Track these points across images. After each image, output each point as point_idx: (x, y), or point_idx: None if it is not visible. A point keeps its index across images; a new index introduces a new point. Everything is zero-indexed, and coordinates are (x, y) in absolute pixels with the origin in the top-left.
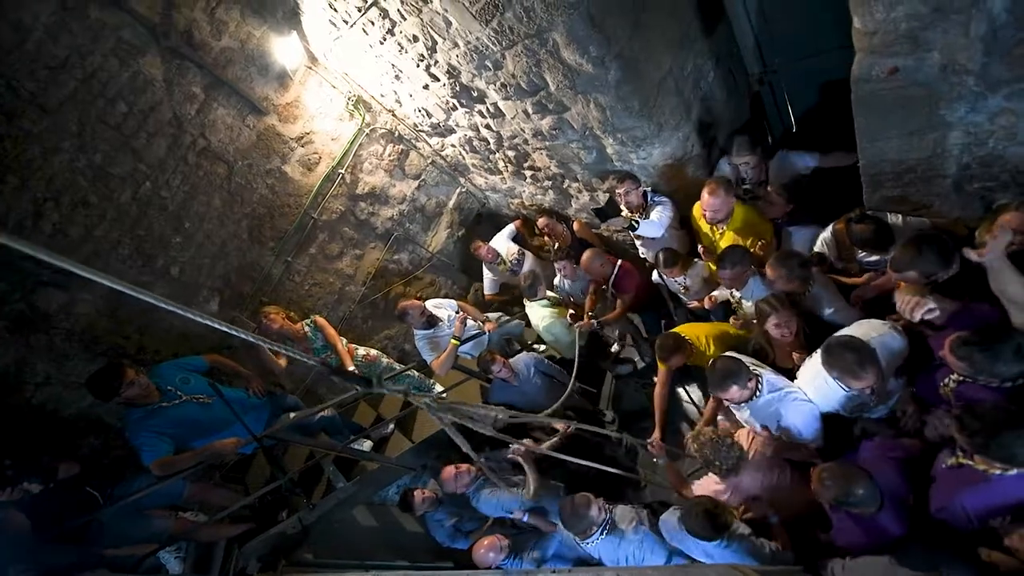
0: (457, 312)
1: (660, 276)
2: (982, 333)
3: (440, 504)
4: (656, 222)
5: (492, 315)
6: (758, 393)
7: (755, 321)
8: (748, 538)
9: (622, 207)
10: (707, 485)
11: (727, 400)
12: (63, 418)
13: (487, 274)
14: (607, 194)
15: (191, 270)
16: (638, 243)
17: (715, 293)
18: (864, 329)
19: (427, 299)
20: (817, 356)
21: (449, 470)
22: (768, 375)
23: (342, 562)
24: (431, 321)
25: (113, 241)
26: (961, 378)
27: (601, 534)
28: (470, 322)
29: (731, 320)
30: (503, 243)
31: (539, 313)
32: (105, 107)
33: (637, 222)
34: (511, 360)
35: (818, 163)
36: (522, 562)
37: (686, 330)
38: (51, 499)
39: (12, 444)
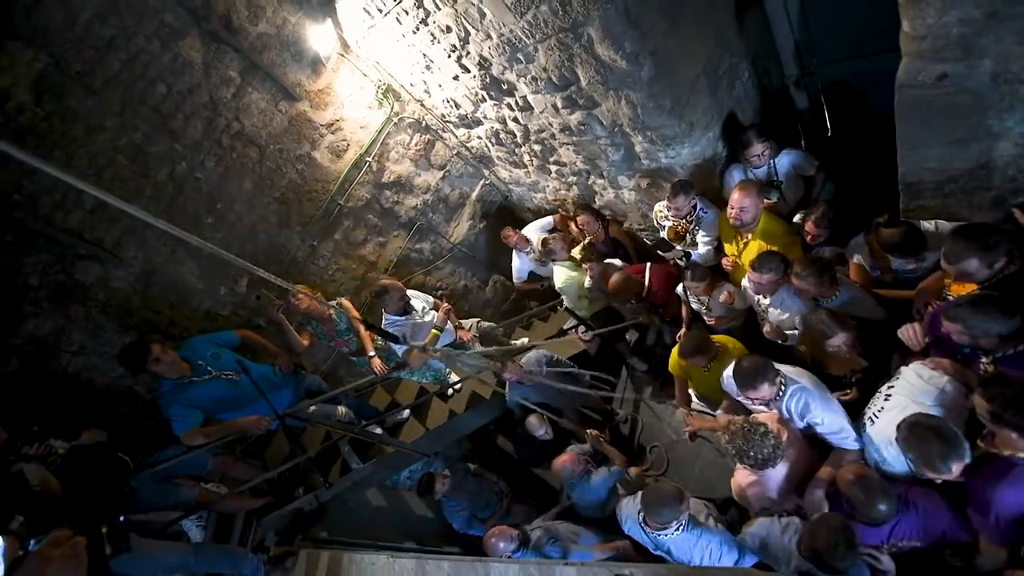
0: (433, 306)
1: (684, 291)
2: (970, 298)
3: (456, 491)
4: (703, 253)
5: (467, 322)
6: (781, 392)
7: (787, 331)
8: None
9: (668, 215)
10: (739, 479)
11: (755, 399)
12: (96, 387)
13: (516, 261)
14: (633, 192)
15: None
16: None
17: (737, 301)
18: (922, 387)
19: (441, 290)
20: (886, 417)
21: (566, 457)
22: (791, 372)
23: (355, 541)
24: (407, 308)
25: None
26: (993, 356)
27: (679, 528)
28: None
29: (764, 330)
30: (535, 233)
31: (561, 274)
32: (146, 88)
33: (689, 254)
34: (522, 361)
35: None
36: (534, 555)
37: (718, 336)
38: (83, 463)
39: (48, 409)
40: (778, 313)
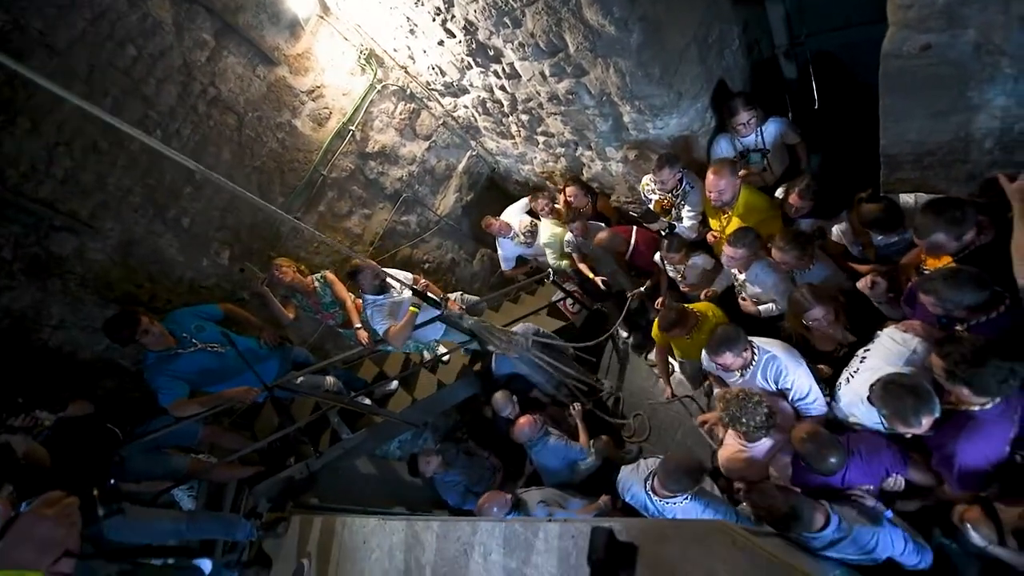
0: (412, 283)
1: (661, 260)
2: (943, 272)
3: (449, 467)
4: (688, 227)
5: (451, 296)
6: (753, 362)
7: (761, 306)
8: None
9: (655, 188)
10: (729, 449)
11: (724, 366)
12: (80, 361)
13: (502, 250)
14: (620, 163)
15: (201, 222)
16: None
17: (714, 287)
18: (895, 350)
19: (428, 263)
20: (860, 378)
21: (523, 420)
22: (764, 342)
23: (346, 507)
24: (383, 287)
25: (124, 189)
26: (967, 324)
27: (687, 498)
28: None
29: (740, 302)
30: (515, 217)
31: (546, 230)
32: (114, 50)
33: (673, 225)
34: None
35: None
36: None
37: (697, 305)
38: (70, 434)
39: (30, 383)
40: (753, 288)
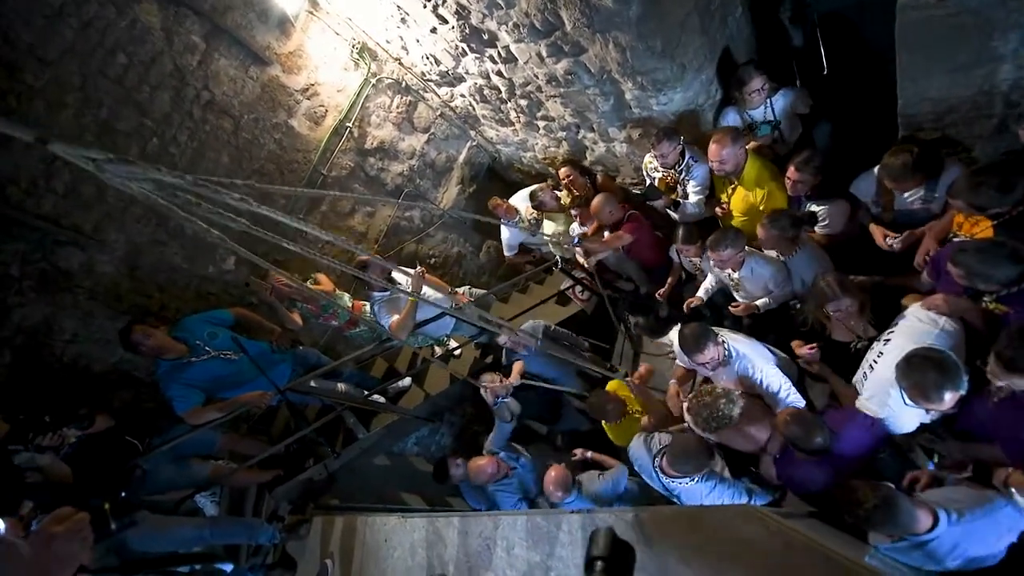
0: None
1: (676, 252)
2: (978, 245)
3: None
4: (694, 203)
5: (459, 290)
6: (728, 355)
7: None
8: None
9: (655, 166)
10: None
11: (704, 363)
12: (94, 374)
13: (505, 233)
14: (624, 144)
15: (205, 229)
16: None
17: (699, 294)
18: (921, 328)
19: (434, 258)
20: (885, 360)
21: (483, 462)
22: (731, 339)
23: (366, 506)
24: (390, 281)
25: (126, 200)
26: (997, 295)
27: (694, 479)
28: (432, 293)
29: (730, 307)
30: (522, 202)
31: (549, 228)
32: (105, 58)
33: (679, 202)
34: (520, 329)
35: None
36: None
37: (618, 388)
38: (92, 449)
39: (47, 399)
40: (750, 285)
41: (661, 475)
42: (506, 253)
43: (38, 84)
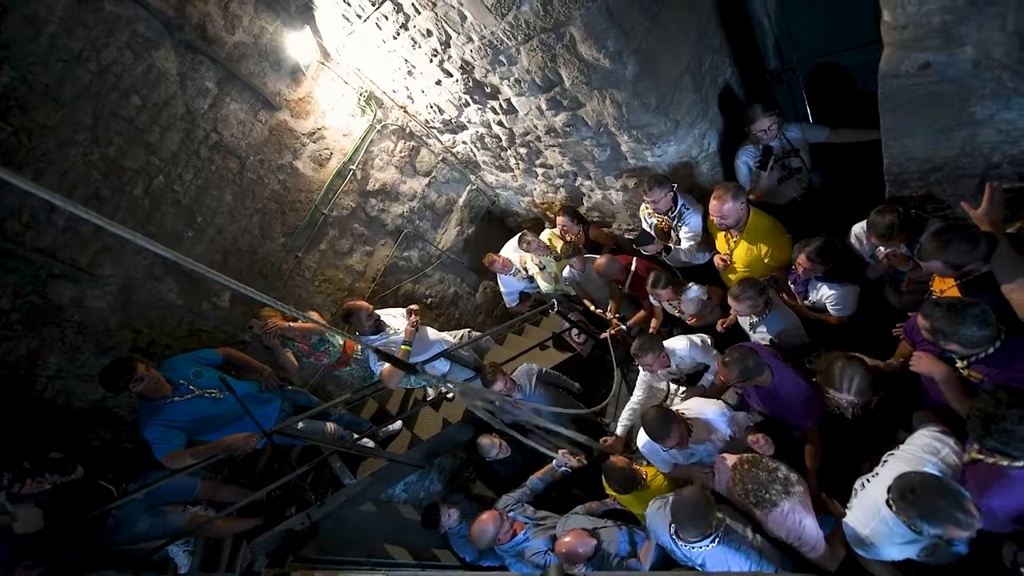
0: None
1: (654, 300)
2: (948, 304)
3: (465, 518)
4: (687, 249)
5: (456, 333)
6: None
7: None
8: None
9: (650, 211)
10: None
11: (648, 366)
12: (73, 411)
13: (504, 287)
14: (620, 192)
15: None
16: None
17: (731, 318)
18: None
19: (431, 298)
20: (873, 488)
21: (486, 517)
22: (670, 345)
23: (349, 559)
24: (378, 326)
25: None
26: (968, 360)
27: (714, 540)
28: (433, 334)
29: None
30: (514, 253)
31: (539, 273)
32: (119, 100)
33: (669, 248)
34: (512, 375)
35: (828, 138)
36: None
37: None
38: (65, 494)
39: (23, 438)
40: (763, 334)
41: (679, 543)
42: (508, 304)
43: (50, 122)
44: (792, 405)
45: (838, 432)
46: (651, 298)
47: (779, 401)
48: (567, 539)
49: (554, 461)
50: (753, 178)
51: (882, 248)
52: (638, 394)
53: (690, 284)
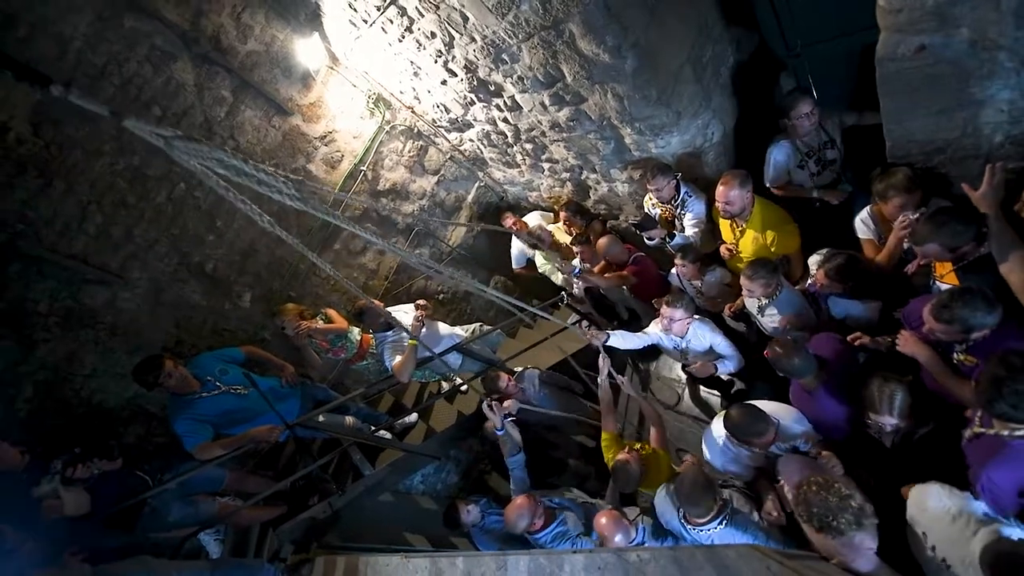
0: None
1: (677, 275)
2: (953, 294)
3: (485, 515)
4: (690, 236)
5: (468, 327)
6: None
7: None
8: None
9: (654, 202)
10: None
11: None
12: (108, 409)
13: (515, 247)
14: (626, 183)
15: (224, 267)
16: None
17: (738, 302)
18: None
19: (442, 293)
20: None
21: (520, 501)
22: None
23: (369, 545)
24: (389, 324)
25: (151, 240)
26: (966, 345)
27: (722, 522)
28: (444, 329)
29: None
30: (535, 220)
31: (541, 263)
32: (140, 111)
33: (673, 235)
34: (514, 378)
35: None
36: None
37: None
38: (106, 483)
39: (67, 433)
40: (777, 314)
41: (688, 527)
42: (514, 266)
43: (78, 135)
44: (826, 421)
45: (875, 459)
46: (674, 276)
47: (815, 408)
48: (602, 520)
49: (485, 408)
50: (784, 174)
51: (897, 222)
52: (638, 339)
53: (714, 266)
